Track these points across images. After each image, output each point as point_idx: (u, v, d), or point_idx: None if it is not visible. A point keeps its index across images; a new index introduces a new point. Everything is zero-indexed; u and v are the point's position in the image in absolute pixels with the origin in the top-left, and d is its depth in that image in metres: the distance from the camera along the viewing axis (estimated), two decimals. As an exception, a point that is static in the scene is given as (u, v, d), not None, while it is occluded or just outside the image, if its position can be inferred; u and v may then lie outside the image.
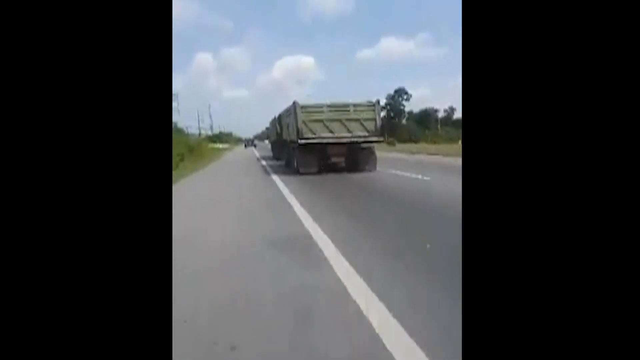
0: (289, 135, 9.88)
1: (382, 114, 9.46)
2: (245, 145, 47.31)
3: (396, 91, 54.01)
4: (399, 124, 53.24)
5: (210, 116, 76.05)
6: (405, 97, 54.73)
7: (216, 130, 66.01)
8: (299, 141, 8.40)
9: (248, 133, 78.29)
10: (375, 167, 8.89)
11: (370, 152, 8.97)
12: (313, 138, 8.38)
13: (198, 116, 72.93)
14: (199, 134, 53.31)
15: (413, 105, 58.64)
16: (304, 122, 8.40)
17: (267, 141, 60.53)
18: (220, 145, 40.71)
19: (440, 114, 56.60)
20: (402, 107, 55.66)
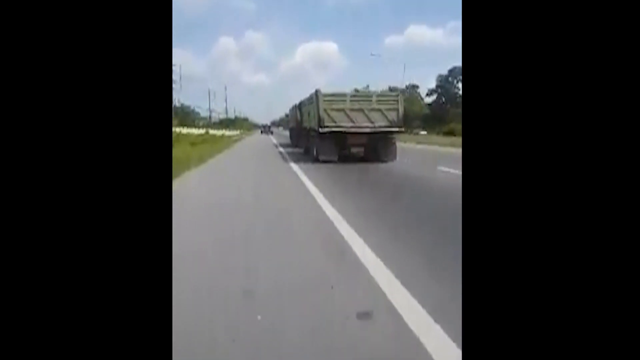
0: (310, 123, 9.91)
1: (431, 98, 9.30)
2: (262, 132, 44.20)
3: (450, 71, 41.31)
4: (449, 111, 40.68)
5: (226, 99, 72.66)
6: (459, 78, 41.37)
7: (232, 115, 62.81)
8: (320, 129, 8.41)
9: (266, 119, 73.77)
10: (395, 157, 8.87)
11: (391, 142, 8.93)
12: (334, 127, 8.38)
13: (209, 97, 66.11)
14: (209, 118, 49.33)
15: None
16: (325, 110, 8.41)
17: (281, 128, 59.20)
18: (228, 133, 33.05)
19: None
20: (456, 91, 42.38)
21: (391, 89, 26.62)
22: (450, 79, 41.92)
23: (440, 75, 41.55)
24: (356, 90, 8.40)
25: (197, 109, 47.83)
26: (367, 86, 34.32)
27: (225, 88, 76.79)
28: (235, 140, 22.63)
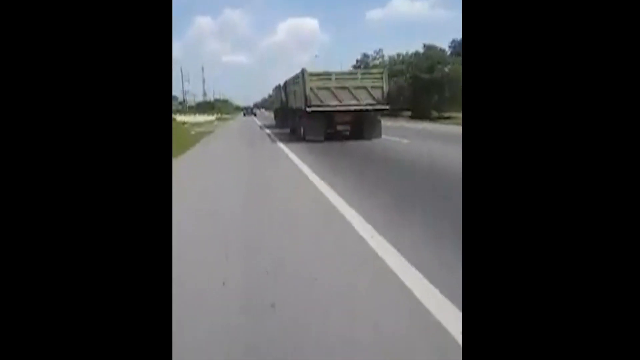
0: (296, 102, 9.96)
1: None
2: (245, 114, 43.41)
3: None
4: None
5: (203, 81, 65.61)
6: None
7: (211, 98, 57.78)
8: (307, 109, 8.46)
9: (248, 101, 70.42)
10: (380, 135, 9.09)
11: (376, 120, 9.14)
12: (320, 106, 8.46)
13: (182, 77, 49.29)
14: (184, 102, 43.04)
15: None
16: (312, 89, 8.46)
17: (263, 109, 54.41)
18: (199, 119, 27.60)
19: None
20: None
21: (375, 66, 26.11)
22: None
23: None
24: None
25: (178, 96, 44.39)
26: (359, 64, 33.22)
27: (202, 69, 70.45)
28: (206, 132, 14.46)
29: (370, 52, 35.44)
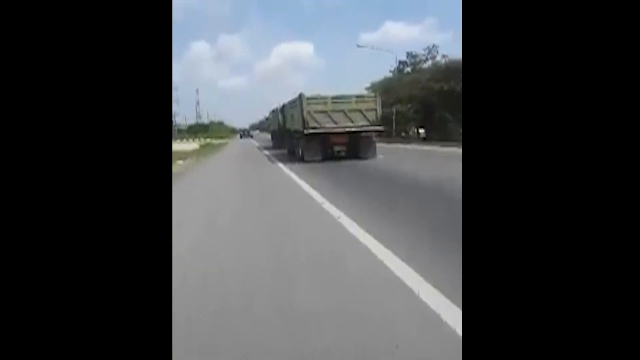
0: (294, 125, 10.43)
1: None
2: (241, 136, 41.77)
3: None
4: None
5: (198, 103, 64.14)
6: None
7: (207, 120, 55.41)
8: (305, 131, 8.89)
9: (244, 123, 69.50)
10: (375, 155, 9.55)
11: (370, 140, 9.62)
12: (318, 128, 8.90)
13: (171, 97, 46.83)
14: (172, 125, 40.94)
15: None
16: (309, 112, 8.91)
17: (258, 131, 51.22)
18: (182, 147, 18.97)
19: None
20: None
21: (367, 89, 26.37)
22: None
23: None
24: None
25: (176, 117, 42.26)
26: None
27: (197, 91, 68.24)
28: (187, 167, 9.30)
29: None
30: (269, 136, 20.65)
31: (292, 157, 10.91)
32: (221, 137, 36.74)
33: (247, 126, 57.48)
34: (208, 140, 30.69)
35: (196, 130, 42.65)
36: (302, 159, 9.44)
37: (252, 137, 39.36)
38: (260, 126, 52.03)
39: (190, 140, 27.96)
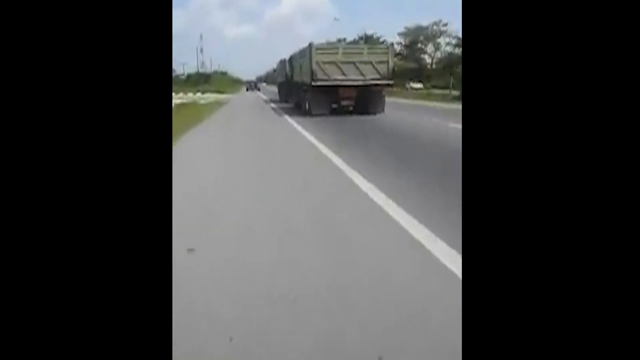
0: (302, 77, 10.08)
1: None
2: (247, 89, 37.63)
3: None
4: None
5: (201, 50, 56.91)
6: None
7: (210, 69, 47.70)
8: (313, 83, 8.55)
9: (251, 75, 63.75)
10: (383, 110, 9.26)
11: (380, 95, 9.27)
12: (326, 80, 8.54)
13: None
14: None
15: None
16: (318, 63, 8.53)
17: (264, 83, 47.84)
18: None
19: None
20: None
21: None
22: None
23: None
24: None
25: (174, 67, 37.51)
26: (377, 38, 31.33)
27: (201, 37, 58.49)
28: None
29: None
30: (276, 89, 20.03)
31: (299, 111, 10.64)
32: (219, 92, 28.18)
33: (254, 78, 52.42)
34: (201, 95, 22.86)
35: (196, 81, 35.54)
36: (309, 113, 9.20)
37: (259, 89, 37.00)
38: (268, 78, 49.09)
39: (181, 94, 21.17)
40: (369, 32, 32.17)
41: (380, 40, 31.38)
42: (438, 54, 40.22)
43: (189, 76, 41.30)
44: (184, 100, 16.19)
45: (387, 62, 8.94)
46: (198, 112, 10.58)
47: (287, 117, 9.10)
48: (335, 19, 42.25)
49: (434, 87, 31.62)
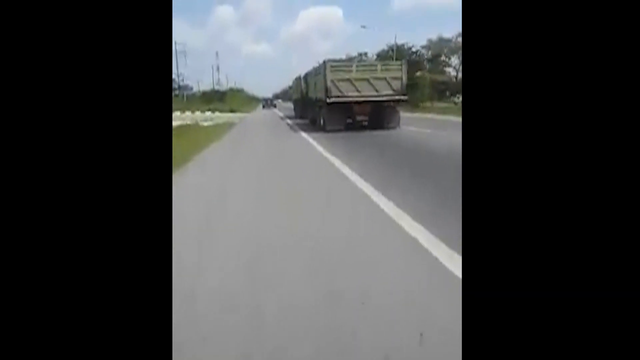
0: (316, 93, 10.29)
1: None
2: (264, 106, 36.81)
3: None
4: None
5: (217, 68, 54.05)
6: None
7: (226, 87, 47.05)
8: (327, 100, 8.72)
9: (267, 92, 64.57)
10: (398, 125, 9.29)
11: (394, 110, 9.37)
12: (340, 97, 8.71)
13: (176, 58, 36.64)
14: (178, 90, 32.66)
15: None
16: (332, 81, 8.73)
17: (280, 100, 47.02)
18: None
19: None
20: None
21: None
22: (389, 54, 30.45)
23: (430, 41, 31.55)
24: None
25: (189, 83, 37.48)
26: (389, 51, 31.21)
27: (217, 54, 61.37)
28: None
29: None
30: (292, 106, 20.32)
31: (314, 127, 10.81)
32: (233, 110, 25.54)
33: (270, 95, 52.80)
34: (211, 115, 20.58)
35: (211, 98, 34.33)
36: (324, 129, 9.34)
37: (275, 106, 36.70)
38: (284, 95, 49.35)
39: (187, 113, 20.03)
40: (400, 42, 31.93)
41: (413, 49, 31.35)
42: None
43: (204, 93, 41.01)
44: (179, 123, 11.87)
45: (401, 78, 9.06)
46: (195, 141, 7.47)
47: (302, 133, 9.26)
48: (362, 26, 41.81)
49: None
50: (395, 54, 25.00)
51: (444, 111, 18.66)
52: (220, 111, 24.41)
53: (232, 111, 25.31)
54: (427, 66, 31.92)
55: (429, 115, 16.00)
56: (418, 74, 26.21)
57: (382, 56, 26.90)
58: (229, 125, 13.23)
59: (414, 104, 22.26)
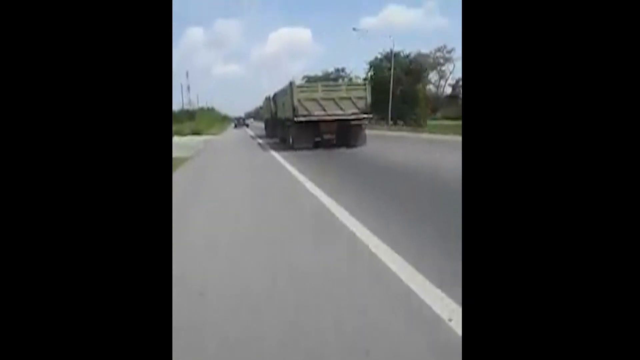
0: (285, 113, 10.53)
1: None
2: (235, 125, 37.08)
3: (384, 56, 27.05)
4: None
5: (188, 87, 47.98)
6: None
7: (196, 106, 43.24)
8: (295, 119, 8.93)
9: (239, 112, 64.97)
10: (364, 143, 9.64)
11: (360, 128, 9.69)
12: (308, 116, 8.94)
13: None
14: None
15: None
16: (299, 100, 8.97)
17: (252, 119, 46.40)
18: None
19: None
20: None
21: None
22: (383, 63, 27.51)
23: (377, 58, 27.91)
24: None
25: None
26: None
27: (187, 74, 51.99)
28: None
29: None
30: (263, 125, 20.36)
31: (283, 145, 10.95)
32: (196, 133, 20.57)
33: (242, 115, 52.30)
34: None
35: (182, 118, 31.16)
36: (292, 147, 9.50)
37: (247, 126, 36.53)
38: (256, 115, 49.57)
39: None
40: (339, 66, 33.83)
41: (349, 74, 32.78)
42: (442, 82, 39.41)
43: (174, 114, 37.46)
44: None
45: (365, 97, 9.47)
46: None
47: (272, 152, 9.37)
48: (353, 28, 36.38)
49: (445, 117, 28.90)
50: (393, 62, 23.28)
51: (444, 130, 15.49)
52: (180, 134, 18.28)
53: (195, 133, 20.15)
54: (428, 76, 29.00)
55: (447, 137, 12.59)
56: (419, 86, 24.15)
57: (376, 65, 25.90)
58: (189, 152, 10.16)
59: (416, 122, 20.74)
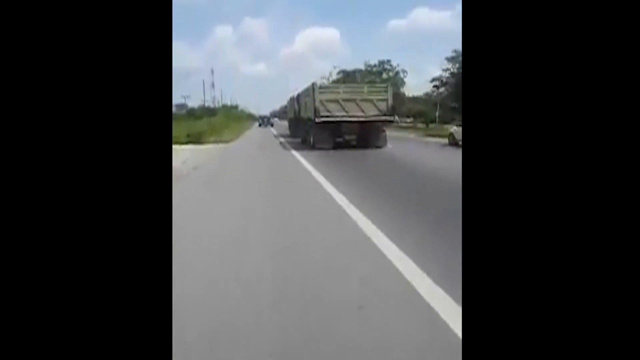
0: (307, 113, 10.70)
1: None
2: (260, 124, 35.70)
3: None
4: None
5: (212, 85, 45.25)
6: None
7: (221, 104, 43.33)
8: (316, 119, 9.05)
9: (265, 110, 63.38)
10: (385, 144, 9.65)
11: (381, 130, 9.71)
12: (329, 116, 9.04)
13: None
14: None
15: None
16: (321, 101, 9.12)
17: (277, 119, 45.98)
18: None
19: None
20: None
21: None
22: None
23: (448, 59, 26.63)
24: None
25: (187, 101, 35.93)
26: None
27: (212, 71, 53.54)
28: None
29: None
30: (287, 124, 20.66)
31: (304, 145, 11.13)
32: (197, 142, 12.08)
33: (267, 113, 50.07)
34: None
35: (200, 115, 27.50)
36: (312, 147, 9.64)
37: (272, 125, 35.34)
38: (281, 114, 49.93)
39: None
40: (394, 63, 31.47)
41: (395, 67, 31.15)
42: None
43: (192, 110, 34.47)
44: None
45: (387, 100, 9.50)
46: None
47: (294, 152, 9.56)
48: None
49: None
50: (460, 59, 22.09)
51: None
52: (175, 142, 11.10)
53: (196, 142, 12.19)
54: (453, 80, 26.85)
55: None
56: (441, 90, 24.48)
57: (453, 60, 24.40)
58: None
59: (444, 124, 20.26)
